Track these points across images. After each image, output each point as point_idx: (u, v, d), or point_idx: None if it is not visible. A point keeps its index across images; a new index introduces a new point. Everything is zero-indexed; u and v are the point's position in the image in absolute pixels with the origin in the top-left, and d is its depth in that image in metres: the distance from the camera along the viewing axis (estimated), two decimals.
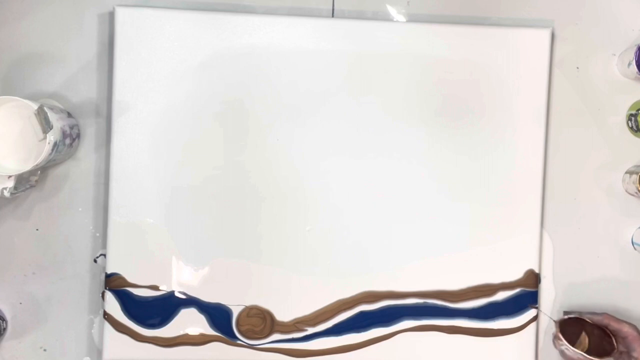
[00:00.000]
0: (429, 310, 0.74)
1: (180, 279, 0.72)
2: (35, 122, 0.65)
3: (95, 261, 0.74)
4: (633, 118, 0.75)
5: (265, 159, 0.73)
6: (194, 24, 0.72)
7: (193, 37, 0.72)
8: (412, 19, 0.75)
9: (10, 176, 0.65)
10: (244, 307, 0.72)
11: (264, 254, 0.73)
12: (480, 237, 0.74)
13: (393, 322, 0.73)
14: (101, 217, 0.73)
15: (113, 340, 0.72)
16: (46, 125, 0.64)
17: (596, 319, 0.71)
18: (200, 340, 0.72)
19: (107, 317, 0.71)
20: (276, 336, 0.73)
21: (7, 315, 0.73)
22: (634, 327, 0.69)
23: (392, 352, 0.74)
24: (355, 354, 0.73)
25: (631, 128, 0.75)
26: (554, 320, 0.72)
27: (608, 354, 0.69)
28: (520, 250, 0.74)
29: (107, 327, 0.71)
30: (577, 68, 0.76)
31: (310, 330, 0.73)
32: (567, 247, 0.76)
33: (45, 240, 0.73)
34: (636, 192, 0.73)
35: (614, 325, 0.70)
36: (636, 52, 0.72)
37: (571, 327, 0.71)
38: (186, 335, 0.72)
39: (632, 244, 0.75)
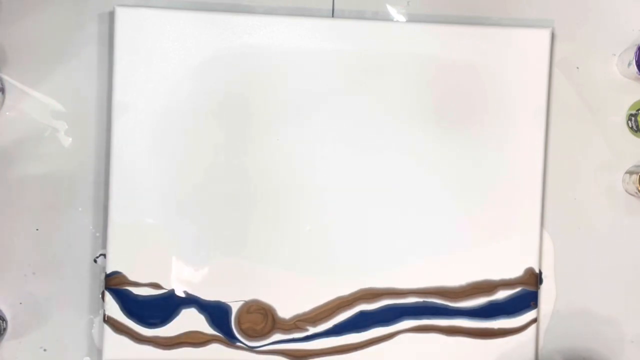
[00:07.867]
0: (429, 309, 0.74)
1: (180, 279, 0.72)
2: None
3: (95, 261, 0.74)
4: (633, 118, 0.75)
5: (265, 159, 0.73)
6: (194, 24, 0.72)
7: (193, 37, 0.72)
8: (412, 19, 0.75)
9: None
10: (243, 302, 0.72)
11: (263, 253, 0.73)
12: (479, 236, 0.74)
13: (393, 322, 0.73)
14: (101, 217, 0.73)
15: (113, 340, 0.71)
16: None
17: None
18: (200, 341, 0.72)
19: (107, 319, 0.71)
20: (277, 336, 0.73)
21: (7, 315, 0.73)
22: None
23: (393, 352, 0.73)
24: (355, 354, 0.73)
25: (631, 128, 0.75)
26: None
27: None
28: (521, 249, 0.74)
29: (107, 327, 0.71)
30: (577, 68, 0.76)
31: (311, 330, 0.73)
32: (567, 247, 0.76)
33: (45, 240, 0.73)
34: (636, 192, 0.73)
35: None
36: (636, 52, 0.72)
37: None
38: (186, 335, 0.72)
39: None
